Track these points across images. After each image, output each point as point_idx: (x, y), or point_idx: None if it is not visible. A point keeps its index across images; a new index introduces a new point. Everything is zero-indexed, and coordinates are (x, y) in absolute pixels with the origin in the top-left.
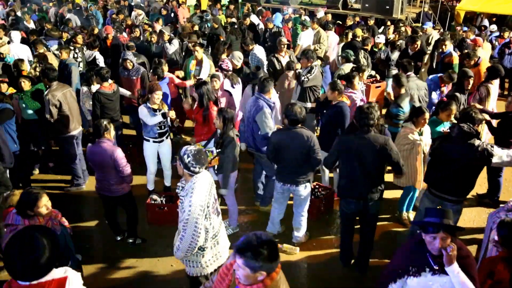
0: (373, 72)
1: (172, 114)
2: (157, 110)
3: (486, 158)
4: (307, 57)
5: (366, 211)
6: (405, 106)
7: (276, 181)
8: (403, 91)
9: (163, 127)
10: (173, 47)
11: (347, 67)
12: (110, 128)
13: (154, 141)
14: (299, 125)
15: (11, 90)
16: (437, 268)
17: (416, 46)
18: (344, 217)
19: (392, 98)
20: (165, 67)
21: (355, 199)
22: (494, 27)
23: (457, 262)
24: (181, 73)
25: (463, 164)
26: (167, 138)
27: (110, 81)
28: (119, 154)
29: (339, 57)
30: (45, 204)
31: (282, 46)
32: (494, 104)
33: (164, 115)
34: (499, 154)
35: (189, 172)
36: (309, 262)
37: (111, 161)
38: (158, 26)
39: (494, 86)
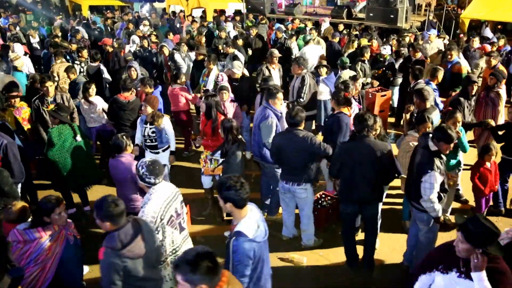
0: (369, 80)
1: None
2: (148, 123)
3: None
4: (298, 63)
5: (364, 213)
6: (435, 117)
7: (280, 181)
8: (428, 104)
9: (153, 140)
10: (178, 57)
11: (345, 74)
12: (129, 143)
13: (150, 152)
14: (298, 128)
15: (21, 104)
16: (463, 270)
17: (417, 53)
18: (343, 218)
19: None
20: (181, 79)
21: (353, 202)
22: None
23: (489, 275)
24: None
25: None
26: (163, 151)
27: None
28: None
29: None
30: (61, 211)
31: (274, 58)
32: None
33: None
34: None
35: (146, 184)
36: (316, 271)
37: (130, 176)
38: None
39: (503, 91)
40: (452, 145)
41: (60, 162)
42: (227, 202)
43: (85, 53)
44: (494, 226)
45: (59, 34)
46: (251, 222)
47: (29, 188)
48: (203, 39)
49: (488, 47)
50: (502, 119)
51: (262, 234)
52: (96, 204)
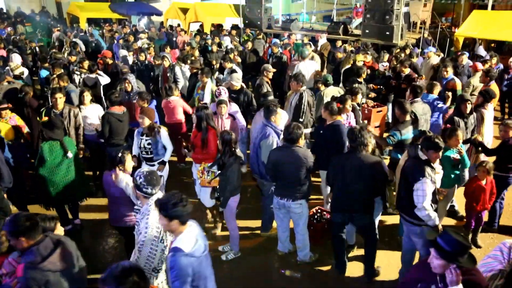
0: (364, 100)
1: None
2: (144, 135)
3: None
4: (297, 80)
5: (354, 223)
6: (406, 133)
7: (274, 197)
8: (407, 117)
9: (149, 152)
10: (178, 71)
11: (328, 91)
12: (125, 160)
13: (146, 163)
14: (297, 144)
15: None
16: (441, 286)
17: (405, 68)
18: (332, 225)
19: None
20: (176, 92)
21: (342, 212)
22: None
23: (467, 287)
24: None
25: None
26: (159, 163)
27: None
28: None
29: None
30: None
31: (269, 73)
32: (489, 129)
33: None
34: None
35: (143, 194)
36: (311, 287)
37: (124, 192)
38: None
39: (488, 111)
40: (440, 153)
41: (48, 178)
42: (173, 219)
43: (85, 64)
44: (465, 239)
45: (68, 45)
46: (189, 236)
47: (20, 196)
48: (196, 52)
49: (479, 65)
50: (484, 140)
51: (201, 248)
52: (7, 223)
